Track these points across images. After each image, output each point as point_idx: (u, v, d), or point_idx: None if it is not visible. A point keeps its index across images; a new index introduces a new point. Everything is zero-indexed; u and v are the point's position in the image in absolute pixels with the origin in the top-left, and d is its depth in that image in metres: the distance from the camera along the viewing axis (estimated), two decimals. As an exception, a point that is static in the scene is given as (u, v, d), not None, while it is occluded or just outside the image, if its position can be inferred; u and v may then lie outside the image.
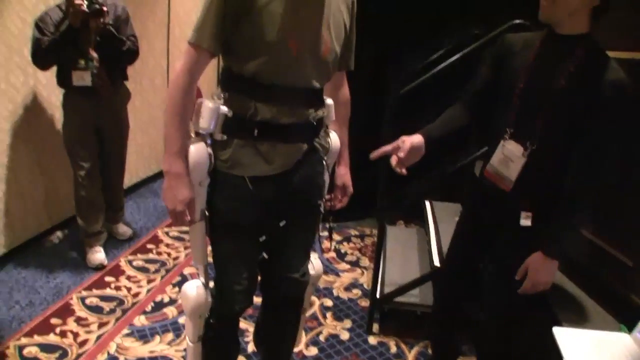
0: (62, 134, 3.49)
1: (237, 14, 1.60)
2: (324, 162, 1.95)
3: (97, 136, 3.53)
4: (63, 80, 3.33)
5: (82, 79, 3.27)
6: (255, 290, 2.00)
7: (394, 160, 1.93)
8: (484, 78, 2.00)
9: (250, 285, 1.95)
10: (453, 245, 2.25)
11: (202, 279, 1.94)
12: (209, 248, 1.93)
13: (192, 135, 1.74)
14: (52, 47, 3.09)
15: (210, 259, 1.95)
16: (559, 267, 1.83)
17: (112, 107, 3.54)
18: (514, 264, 1.87)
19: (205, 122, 1.70)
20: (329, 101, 1.94)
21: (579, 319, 2.03)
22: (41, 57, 3.14)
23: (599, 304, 2.14)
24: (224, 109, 1.70)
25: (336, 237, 4.28)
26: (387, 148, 1.94)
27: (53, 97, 3.67)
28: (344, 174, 2.15)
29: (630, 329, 1.80)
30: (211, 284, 1.97)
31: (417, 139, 1.94)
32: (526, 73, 1.80)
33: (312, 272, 2.16)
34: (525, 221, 1.84)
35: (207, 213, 1.82)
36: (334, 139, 2.01)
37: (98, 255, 3.57)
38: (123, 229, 4.03)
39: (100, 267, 3.53)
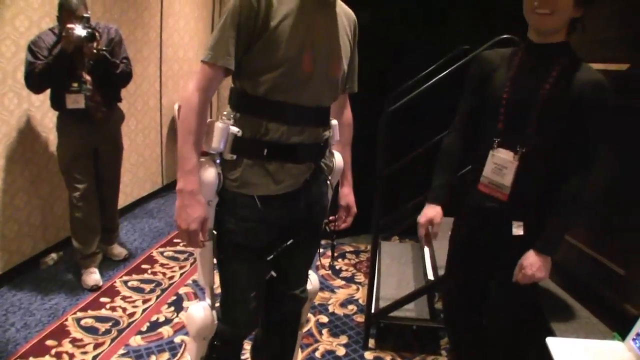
0: (56, 156, 3.50)
1: (251, 32, 1.62)
2: (328, 182, 1.99)
3: (92, 158, 3.54)
4: (57, 103, 3.34)
5: (76, 102, 3.29)
6: (261, 311, 2.00)
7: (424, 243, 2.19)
8: (470, 102, 2.06)
9: (258, 307, 1.95)
10: (452, 264, 2.25)
11: (209, 300, 1.94)
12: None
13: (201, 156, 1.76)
14: (45, 71, 3.11)
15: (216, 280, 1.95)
16: (552, 267, 1.86)
17: (106, 129, 3.55)
18: (507, 273, 1.89)
19: (215, 142, 1.71)
20: (334, 122, 1.97)
21: (573, 329, 2.04)
22: (34, 80, 3.16)
23: (592, 313, 2.15)
24: (234, 129, 1.71)
25: (330, 253, 4.28)
26: (422, 235, 2.11)
27: (47, 120, 3.69)
28: (347, 194, 2.17)
29: (623, 337, 1.81)
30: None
31: (439, 212, 2.08)
32: (510, 84, 1.86)
33: (309, 287, 2.18)
34: (517, 230, 1.86)
35: (215, 233, 1.81)
36: (338, 158, 2.03)
37: (93, 276, 3.57)
38: (118, 250, 4.03)
39: (95, 288, 3.52)
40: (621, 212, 2.16)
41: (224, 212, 1.79)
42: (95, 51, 3.23)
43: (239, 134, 1.72)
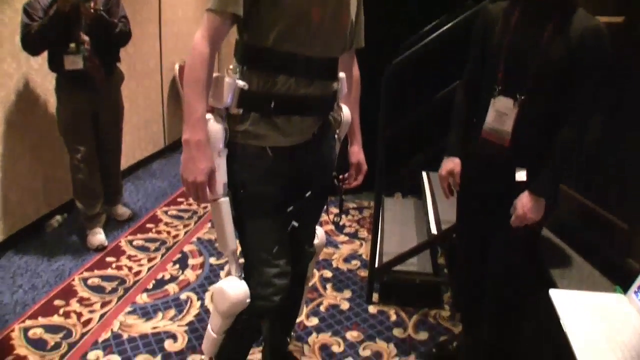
0: (56, 119, 3.50)
1: None
2: (336, 136, 1.99)
3: (92, 119, 3.53)
4: (55, 65, 3.32)
5: (74, 63, 3.26)
6: (291, 270, 1.89)
7: (447, 194, 2.18)
8: (475, 55, 2.07)
9: (287, 264, 1.86)
10: (459, 218, 2.31)
11: (235, 272, 1.83)
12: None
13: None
14: (42, 33, 3.08)
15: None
16: (548, 214, 1.89)
17: (106, 90, 3.54)
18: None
19: (222, 96, 1.68)
20: (342, 75, 1.92)
21: (575, 282, 2.05)
22: (31, 42, 3.14)
23: (595, 267, 2.16)
24: (241, 82, 1.68)
25: (334, 210, 4.29)
26: (444, 187, 2.16)
27: (47, 83, 3.67)
28: (357, 152, 2.15)
29: (625, 290, 1.82)
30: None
31: (457, 164, 2.13)
32: (510, 33, 1.88)
33: (316, 242, 2.19)
34: (520, 176, 1.88)
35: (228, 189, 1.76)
36: (346, 112, 2.01)
37: (98, 236, 3.60)
38: (122, 210, 4.06)
39: (101, 248, 3.56)
40: (626, 167, 2.15)
41: (235, 164, 1.75)
42: (92, 11, 3.20)
43: (246, 87, 1.68)
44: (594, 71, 1.75)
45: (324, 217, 2.18)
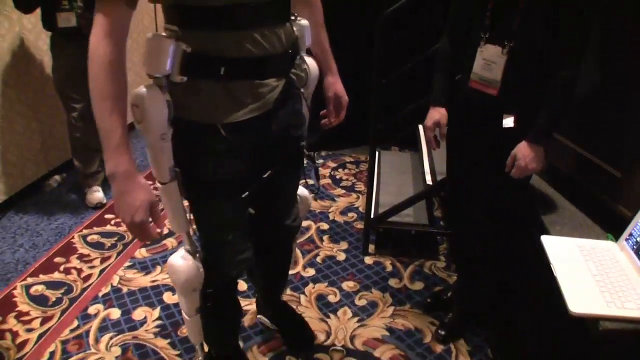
0: (52, 78, 3.49)
1: None
2: (302, 97, 1.73)
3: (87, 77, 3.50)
4: (48, 23, 3.28)
5: (67, 20, 3.23)
6: (251, 249, 1.80)
7: (434, 145, 2.15)
8: (462, 3, 2.03)
9: (243, 244, 1.75)
10: (449, 167, 2.32)
11: (188, 247, 1.71)
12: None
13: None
14: None
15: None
16: (548, 168, 1.88)
17: None
18: (499, 166, 1.92)
19: (160, 61, 1.35)
20: (304, 22, 1.66)
21: (567, 229, 2.06)
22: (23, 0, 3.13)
23: (587, 215, 2.17)
24: (182, 44, 1.36)
25: (331, 164, 4.33)
26: (430, 137, 2.13)
27: (40, 42, 3.65)
28: (333, 83, 1.91)
29: (617, 238, 1.84)
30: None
31: (443, 114, 2.10)
32: None
33: (300, 206, 2.08)
34: (507, 122, 1.87)
35: (177, 171, 1.51)
36: (312, 65, 1.80)
37: (97, 194, 3.63)
38: None
39: (99, 206, 3.60)
40: (618, 114, 2.15)
41: (183, 145, 1.49)
42: None
43: (189, 50, 1.37)
44: (581, 14, 1.70)
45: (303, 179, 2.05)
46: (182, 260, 1.69)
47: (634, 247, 1.72)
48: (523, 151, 1.84)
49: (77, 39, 3.26)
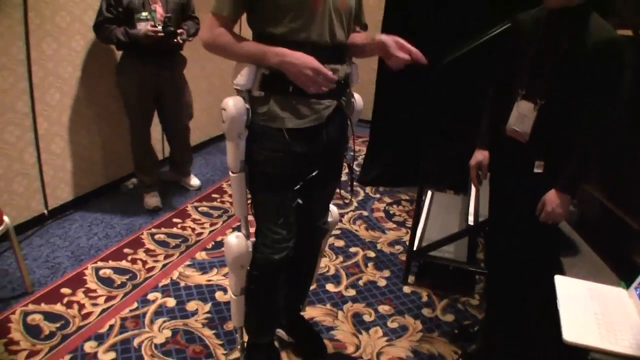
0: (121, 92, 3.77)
1: None
2: (349, 121, 2.13)
3: (152, 96, 3.78)
4: (122, 42, 3.53)
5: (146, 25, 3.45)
6: (294, 238, 2.11)
7: (475, 183, 2.42)
8: (506, 61, 2.26)
9: (289, 233, 2.07)
10: (490, 207, 2.53)
11: (244, 230, 2.10)
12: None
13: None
14: (114, 41, 3.44)
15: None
16: (572, 205, 2.06)
17: (167, 72, 3.76)
18: (530, 208, 2.11)
19: (244, 79, 1.84)
20: (354, 64, 2.08)
21: (583, 273, 2.16)
22: (103, 36, 3.46)
23: (606, 262, 2.28)
24: (262, 68, 1.83)
25: (387, 199, 4.56)
26: (473, 176, 2.39)
27: (109, 60, 3.92)
28: (379, 36, 1.91)
29: (629, 286, 1.95)
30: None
31: (486, 156, 2.36)
32: (536, 42, 2.06)
33: (330, 219, 2.41)
34: (538, 169, 2.08)
35: (246, 165, 1.97)
36: (358, 100, 2.16)
37: (154, 199, 4.00)
38: (193, 181, 4.42)
39: (156, 210, 3.95)
40: (637, 167, 2.30)
41: (254, 144, 1.93)
42: (174, 42, 3.55)
43: (267, 72, 1.83)
44: (607, 79, 1.90)
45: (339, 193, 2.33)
46: (235, 239, 2.07)
47: (641, 294, 1.85)
48: (551, 198, 2.03)
49: (145, 61, 3.58)
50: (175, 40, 3.53)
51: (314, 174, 2.00)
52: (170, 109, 3.95)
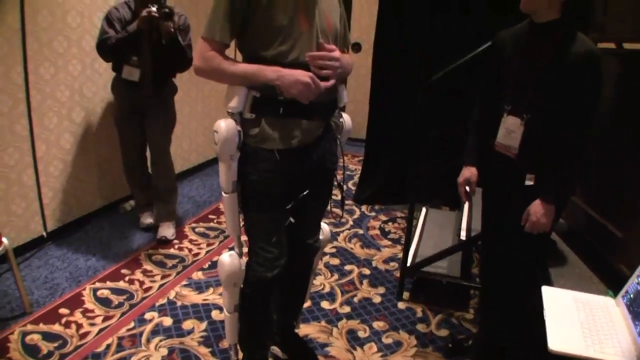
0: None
1: (247, 7, 1.82)
2: (338, 140, 2.19)
3: (140, 120, 3.75)
4: (115, 67, 3.61)
5: (131, 74, 3.51)
6: (286, 256, 2.16)
7: (464, 199, 2.47)
8: (490, 78, 2.33)
9: (281, 252, 2.12)
10: (482, 222, 2.58)
11: (236, 249, 2.16)
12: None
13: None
14: (118, 45, 3.36)
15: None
16: (556, 217, 2.11)
17: (155, 100, 3.69)
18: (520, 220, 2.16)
19: (235, 102, 1.91)
20: (341, 86, 2.14)
21: (571, 284, 2.22)
22: (106, 50, 3.42)
23: (594, 271, 2.33)
24: (253, 91, 1.90)
25: (382, 217, 4.61)
26: (462, 192, 2.42)
27: (107, 81, 3.94)
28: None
29: (616, 295, 1.98)
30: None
31: (474, 173, 2.39)
32: (516, 60, 2.14)
33: (321, 237, 2.44)
34: (529, 182, 2.14)
35: (237, 185, 2.02)
36: (347, 120, 2.23)
37: (149, 219, 4.06)
38: (167, 231, 3.91)
39: (150, 227, 4.00)
40: (620, 177, 2.35)
41: (246, 165, 1.99)
42: (172, 30, 3.38)
43: (257, 95, 1.90)
44: (588, 90, 1.98)
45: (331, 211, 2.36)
46: (229, 258, 2.14)
47: (628, 302, 1.87)
48: (535, 208, 2.09)
49: (134, 90, 3.58)
50: (172, 26, 3.38)
51: (304, 193, 2.06)
52: (152, 134, 3.82)
